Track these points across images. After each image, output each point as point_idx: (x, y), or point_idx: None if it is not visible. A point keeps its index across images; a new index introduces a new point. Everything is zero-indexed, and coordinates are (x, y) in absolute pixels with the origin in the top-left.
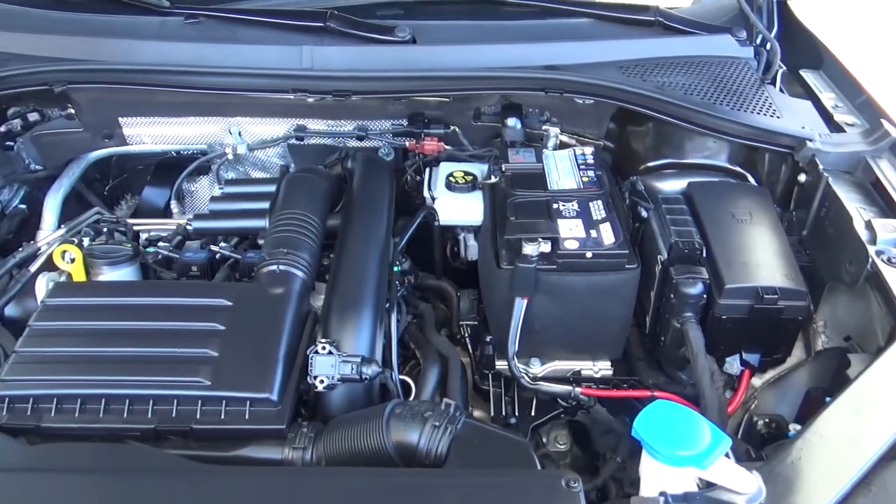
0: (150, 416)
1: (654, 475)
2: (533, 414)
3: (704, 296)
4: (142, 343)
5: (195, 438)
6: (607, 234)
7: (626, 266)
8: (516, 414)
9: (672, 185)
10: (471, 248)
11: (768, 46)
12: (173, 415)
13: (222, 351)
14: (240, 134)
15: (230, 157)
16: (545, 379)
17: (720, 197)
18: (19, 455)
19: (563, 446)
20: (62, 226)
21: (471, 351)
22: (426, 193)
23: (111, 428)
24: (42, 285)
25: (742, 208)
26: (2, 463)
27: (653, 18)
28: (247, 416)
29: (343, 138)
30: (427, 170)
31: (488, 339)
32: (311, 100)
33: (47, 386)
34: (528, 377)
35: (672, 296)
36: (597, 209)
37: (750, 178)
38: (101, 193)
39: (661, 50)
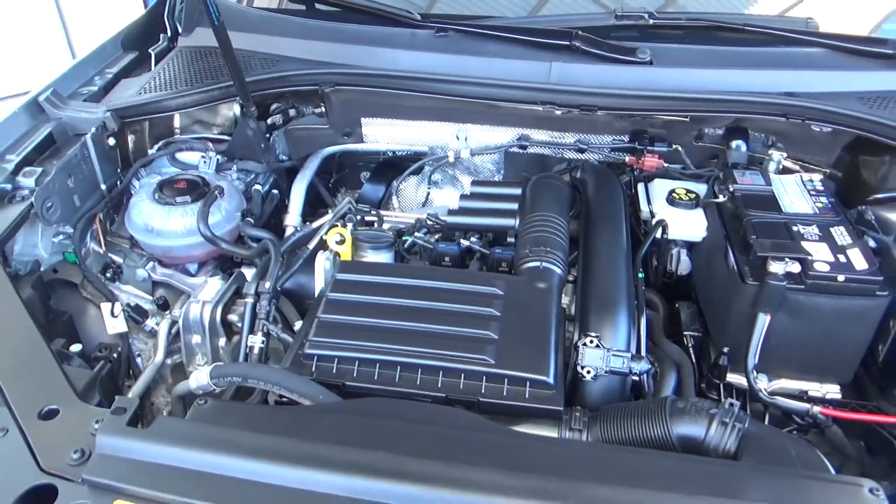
0: (439, 385)
1: None
2: None
3: None
4: (427, 320)
5: (480, 410)
6: (858, 260)
7: (878, 293)
8: None
9: None
10: (683, 263)
11: None
12: (461, 387)
13: (501, 334)
14: (465, 139)
15: (451, 159)
16: (775, 394)
17: None
18: (345, 405)
19: None
20: (329, 211)
21: (693, 360)
22: (644, 208)
23: (406, 392)
24: (321, 262)
25: None
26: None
27: (892, 51)
28: (527, 396)
29: (562, 150)
30: (640, 185)
31: (725, 350)
32: (558, 112)
33: (349, 350)
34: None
35: None
36: (840, 235)
37: None
38: (325, 186)
39: None
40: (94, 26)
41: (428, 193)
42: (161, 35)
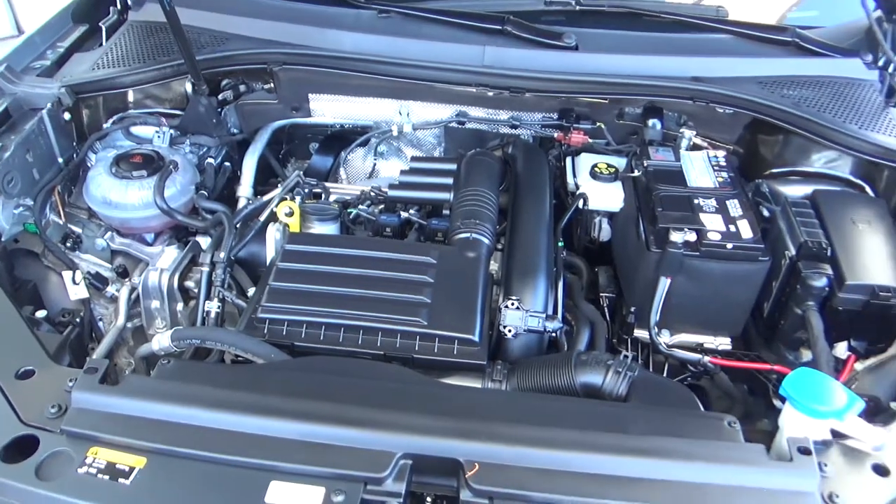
0: (378, 344)
1: (795, 425)
2: (664, 375)
3: (827, 289)
4: (368, 286)
5: (414, 365)
6: (745, 230)
7: (760, 258)
8: None
9: (795, 191)
10: (604, 231)
11: (891, 70)
12: (397, 345)
13: (433, 299)
14: (408, 114)
15: (395, 133)
16: (675, 347)
17: (843, 204)
18: (294, 363)
19: None
20: (279, 184)
21: (608, 318)
22: (570, 180)
23: (349, 351)
24: (272, 234)
25: (862, 216)
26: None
27: (789, 39)
28: (455, 352)
29: (497, 125)
30: (568, 159)
31: (633, 309)
32: (490, 94)
33: (298, 314)
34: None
35: (798, 287)
36: (734, 207)
37: (868, 190)
38: (276, 156)
39: (797, 69)
40: None
41: (374, 164)
42: (111, 8)
